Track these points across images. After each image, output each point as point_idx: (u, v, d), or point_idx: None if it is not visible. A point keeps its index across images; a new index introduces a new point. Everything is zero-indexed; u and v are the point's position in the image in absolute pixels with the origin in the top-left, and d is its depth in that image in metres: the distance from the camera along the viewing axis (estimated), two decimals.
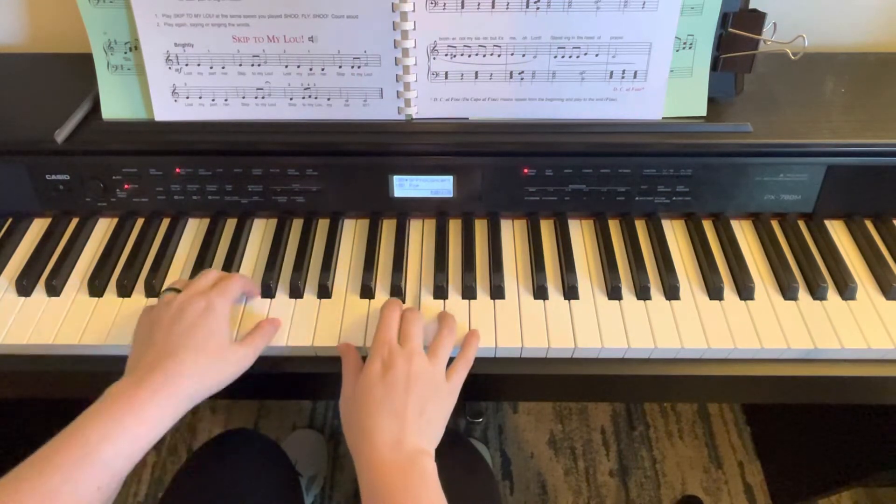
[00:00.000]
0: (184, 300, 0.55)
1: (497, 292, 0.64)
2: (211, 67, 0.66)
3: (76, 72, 0.77)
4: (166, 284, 0.63)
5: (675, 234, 0.71)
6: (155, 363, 0.51)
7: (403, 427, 0.51)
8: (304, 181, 0.68)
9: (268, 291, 0.64)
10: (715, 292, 0.64)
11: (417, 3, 0.62)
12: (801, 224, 0.71)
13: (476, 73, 0.66)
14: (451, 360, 0.58)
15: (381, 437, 0.50)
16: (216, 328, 0.54)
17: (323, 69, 0.66)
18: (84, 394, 0.65)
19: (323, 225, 0.71)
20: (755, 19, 0.65)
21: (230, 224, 0.72)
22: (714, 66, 0.67)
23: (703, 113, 0.68)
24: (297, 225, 0.71)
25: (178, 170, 0.68)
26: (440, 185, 0.68)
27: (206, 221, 0.72)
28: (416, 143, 0.68)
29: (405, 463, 0.49)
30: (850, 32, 0.86)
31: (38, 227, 0.72)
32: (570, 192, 0.69)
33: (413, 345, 0.55)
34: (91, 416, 0.48)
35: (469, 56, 0.65)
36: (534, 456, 1.31)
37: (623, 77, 0.66)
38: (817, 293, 0.64)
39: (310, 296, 0.65)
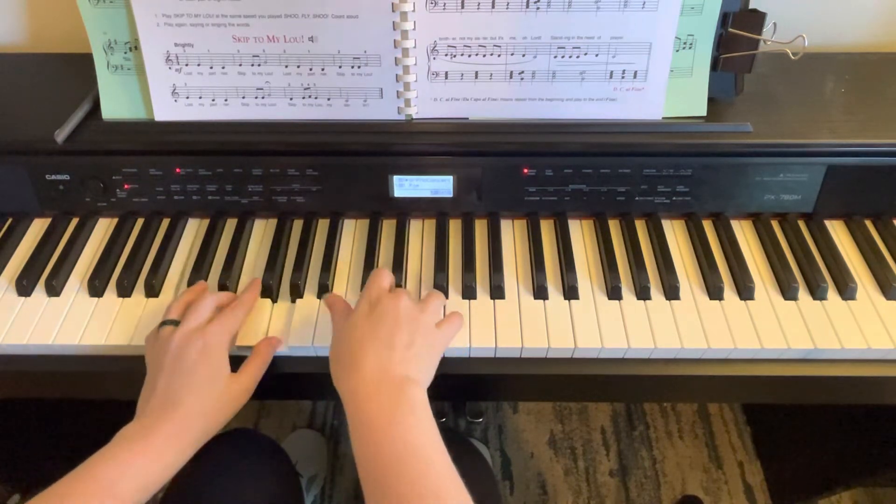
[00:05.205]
0: (180, 340, 0.55)
1: (497, 292, 0.64)
2: (211, 67, 0.66)
3: (76, 72, 0.77)
4: (165, 315, 0.59)
5: (675, 234, 0.71)
6: (162, 413, 0.52)
7: (391, 355, 0.50)
8: (304, 181, 0.68)
9: (268, 292, 0.64)
10: (715, 292, 0.64)
11: (417, 3, 0.62)
12: (801, 224, 0.71)
13: (476, 73, 0.66)
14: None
15: (368, 366, 0.49)
16: (215, 367, 0.55)
17: (323, 69, 0.66)
18: (83, 394, 0.65)
19: (323, 225, 0.71)
20: (755, 19, 0.65)
21: (230, 224, 0.72)
22: (714, 66, 0.67)
23: (704, 113, 0.68)
24: (297, 225, 0.71)
25: (178, 170, 0.68)
26: (440, 185, 0.68)
27: (206, 221, 0.72)
28: (416, 143, 0.68)
29: (393, 390, 0.48)
30: (850, 32, 0.86)
31: (38, 227, 0.72)
32: (570, 192, 0.69)
33: (403, 292, 0.56)
34: (104, 457, 0.49)
35: (469, 56, 0.65)
36: (534, 456, 1.31)
37: (623, 77, 0.66)
38: (817, 293, 0.64)
39: (310, 296, 0.65)
